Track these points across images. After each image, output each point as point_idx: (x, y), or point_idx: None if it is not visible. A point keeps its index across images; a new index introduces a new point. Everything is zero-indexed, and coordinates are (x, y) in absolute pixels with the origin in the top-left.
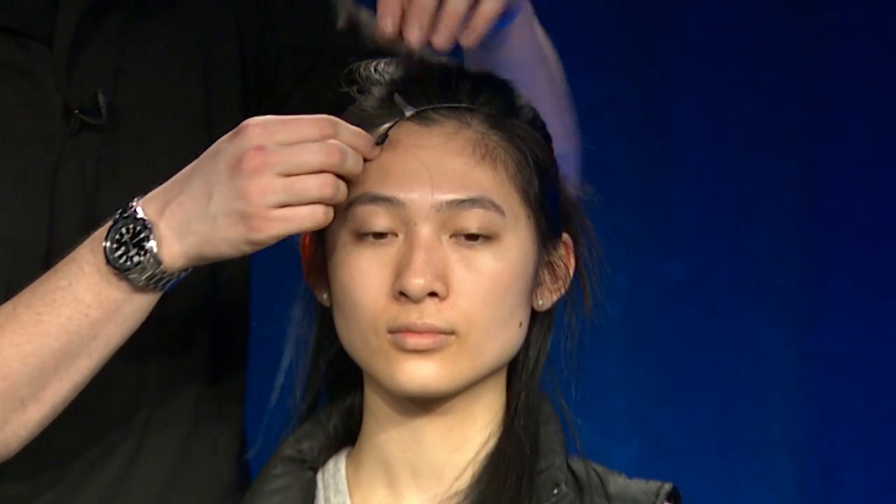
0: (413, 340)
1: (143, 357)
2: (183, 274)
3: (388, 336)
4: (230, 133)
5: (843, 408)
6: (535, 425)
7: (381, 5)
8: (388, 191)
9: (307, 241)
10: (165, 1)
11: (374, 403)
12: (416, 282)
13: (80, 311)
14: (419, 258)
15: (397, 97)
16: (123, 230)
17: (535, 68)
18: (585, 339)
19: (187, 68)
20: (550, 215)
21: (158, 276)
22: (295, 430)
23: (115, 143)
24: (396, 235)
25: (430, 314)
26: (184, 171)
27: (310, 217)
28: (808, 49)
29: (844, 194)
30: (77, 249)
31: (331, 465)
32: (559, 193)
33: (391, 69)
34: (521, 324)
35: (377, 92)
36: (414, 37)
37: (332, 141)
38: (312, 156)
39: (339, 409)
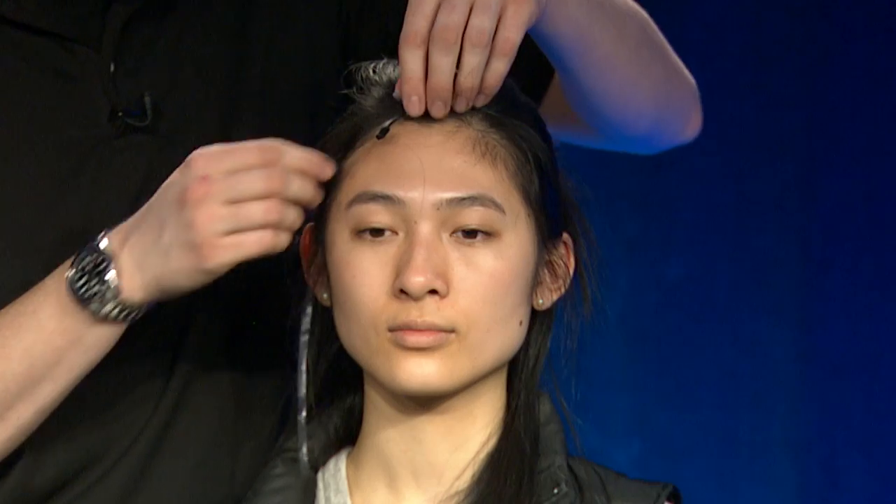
0: (413, 338)
1: (173, 346)
2: (145, 308)
3: (389, 334)
4: (181, 165)
5: (843, 408)
6: (535, 425)
7: (404, 84)
8: (388, 189)
9: (307, 241)
10: (229, 10)
11: (375, 403)
12: (417, 279)
13: (43, 338)
14: (420, 256)
15: (396, 94)
16: (87, 259)
17: (590, 36)
18: (585, 339)
19: (243, 77)
20: (550, 215)
21: (119, 308)
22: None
23: (162, 146)
24: (396, 234)
25: (431, 312)
26: (147, 203)
27: (257, 242)
28: (808, 49)
29: (844, 194)
30: (48, 276)
31: (331, 464)
32: (559, 193)
33: (390, 69)
34: (521, 322)
35: (376, 92)
36: (439, 113)
37: (276, 167)
38: (254, 183)
39: (339, 409)
